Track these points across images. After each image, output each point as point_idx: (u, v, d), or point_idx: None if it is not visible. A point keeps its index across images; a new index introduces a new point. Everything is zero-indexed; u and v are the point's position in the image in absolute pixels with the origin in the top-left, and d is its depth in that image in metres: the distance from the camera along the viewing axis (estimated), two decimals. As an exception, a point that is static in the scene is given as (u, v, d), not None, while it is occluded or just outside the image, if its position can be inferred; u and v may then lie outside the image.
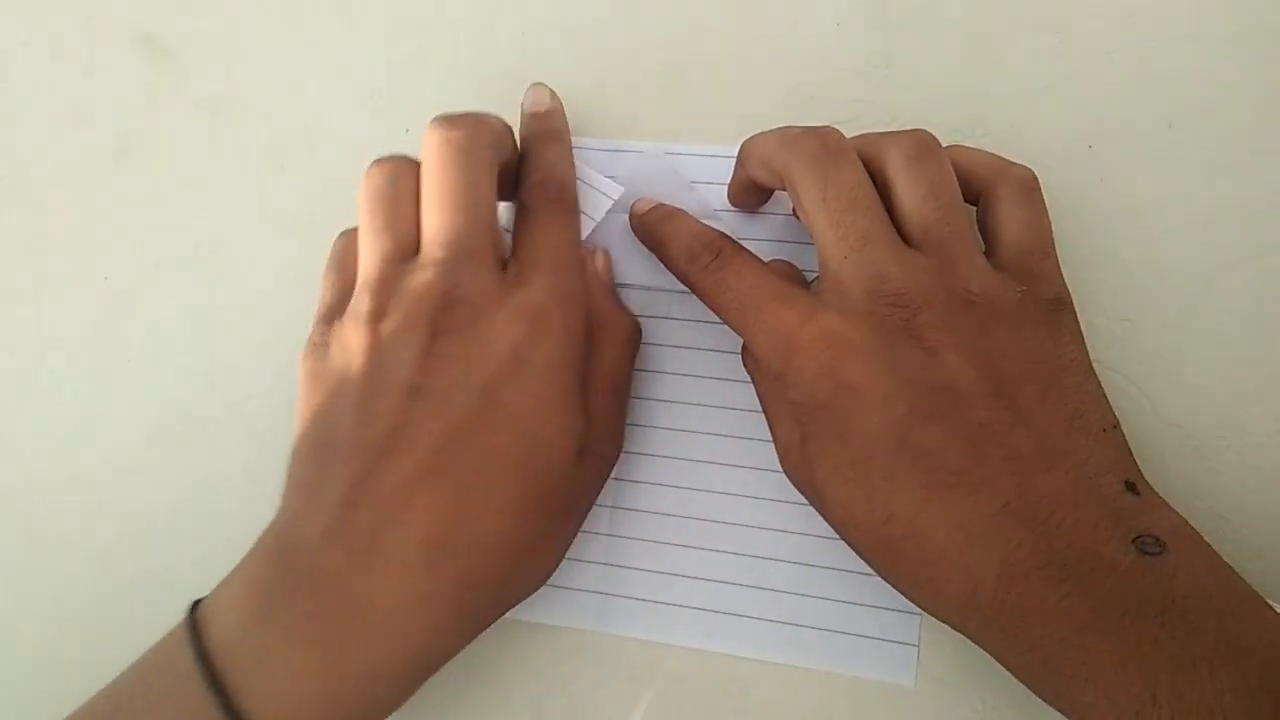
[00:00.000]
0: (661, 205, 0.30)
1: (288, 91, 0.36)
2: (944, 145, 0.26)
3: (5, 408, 0.35)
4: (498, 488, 0.24)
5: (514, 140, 0.30)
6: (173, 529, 0.33)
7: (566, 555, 0.28)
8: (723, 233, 0.28)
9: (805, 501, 0.26)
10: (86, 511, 0.33)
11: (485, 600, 0.25)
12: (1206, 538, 0.22)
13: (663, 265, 0.29)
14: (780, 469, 0.27)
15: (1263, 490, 0.27)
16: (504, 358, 0.25)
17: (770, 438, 0.27)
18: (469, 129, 0.27)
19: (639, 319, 0.30)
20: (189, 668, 0.22)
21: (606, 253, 0.31)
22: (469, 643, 0.25)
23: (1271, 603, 0.21)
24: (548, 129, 0.30)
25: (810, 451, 0.25)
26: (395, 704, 0.24)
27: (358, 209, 0.28)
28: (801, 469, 0.25)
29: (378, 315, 0.25)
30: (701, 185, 0.31)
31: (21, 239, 0.36)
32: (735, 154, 0.29)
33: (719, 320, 0.27)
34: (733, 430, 0.30)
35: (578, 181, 0.30)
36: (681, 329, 0.31)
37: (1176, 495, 0.24)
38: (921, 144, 0.26)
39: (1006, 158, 0.28)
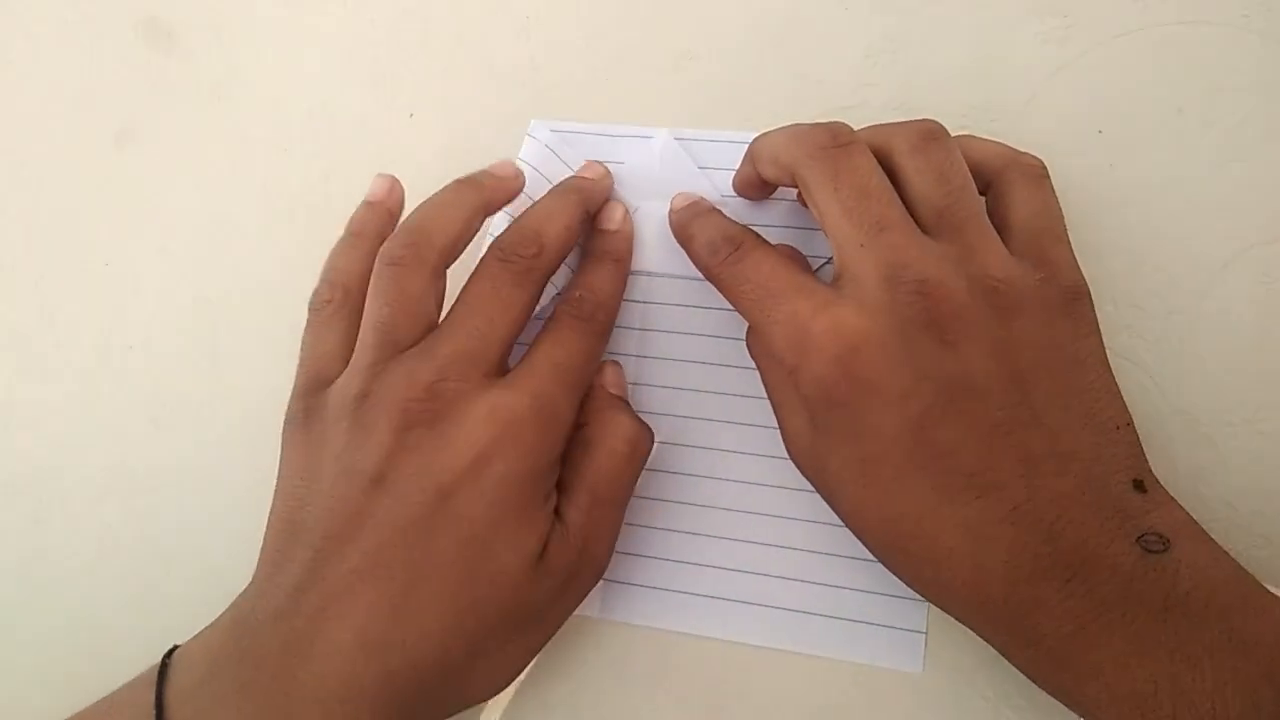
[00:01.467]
0: (697, 202, 0.30)
1: (290, 75, 0.35)
2: (951, 134, 0.26)
3: (6, 394, 0.35)
4: (440, 593, 0.24)
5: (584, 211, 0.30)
6: (175, 514, 0.32)
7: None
8: (746, 227, 0.27)
9: (812, 489, 0.26)
10: (89, 497, 0.33)
11: (416, 701, 0.24)
12: (1214, 525, 0.22)
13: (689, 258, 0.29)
14: (787, 456, 0.27)
15: (1271, 478, 0.27)
16: (466, 461, 0.24)
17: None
18: (529, 257, 0.27)
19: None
20: (148, 708, 0.24)
21: (616, 364, 0.30)
22: None
23: (1277, 592, 0.21)
24: (608, 249, 0.30)
25: (821, 446, 0.25)
26: None
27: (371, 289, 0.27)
28: (810, 460, 0.25)
29: (363, 397, 0.26)
30: (710, 170, 0.31)
31: (23, 224, 0.36)
32: (743, 139, 0.29)
33: (730, 307, 0.27)
34: (741, 417, 0.30)
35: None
36: (693, 316, 0.31)
37: (1183, 482, 0.24)
38: (928, 130, 0.26)
39: (1014, 145, 0.27)
